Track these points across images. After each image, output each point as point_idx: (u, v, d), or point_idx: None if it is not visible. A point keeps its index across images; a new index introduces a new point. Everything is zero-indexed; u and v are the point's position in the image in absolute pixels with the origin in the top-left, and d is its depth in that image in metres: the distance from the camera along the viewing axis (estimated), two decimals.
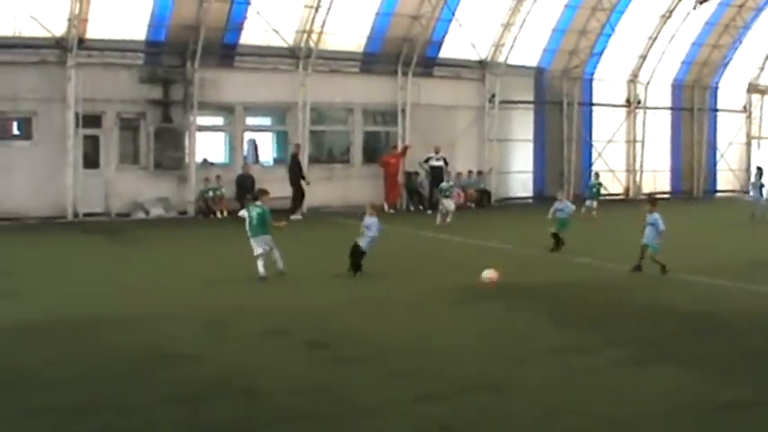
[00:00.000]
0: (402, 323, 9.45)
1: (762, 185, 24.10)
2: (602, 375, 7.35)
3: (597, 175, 23.93)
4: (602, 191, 23.25)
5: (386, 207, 23.03)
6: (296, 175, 21.35)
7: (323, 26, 22.07)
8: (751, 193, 24.77)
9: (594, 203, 21.87)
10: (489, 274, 11.63)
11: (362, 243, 12.13)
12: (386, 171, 23.33)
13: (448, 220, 19.20)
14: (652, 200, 13.33)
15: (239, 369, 7.32)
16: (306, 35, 22.09)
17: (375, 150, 24.55)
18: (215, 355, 7.77)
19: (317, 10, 21.75)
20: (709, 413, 6.34)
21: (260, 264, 11.83)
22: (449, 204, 19.67)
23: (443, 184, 20.49)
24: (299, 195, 21.33)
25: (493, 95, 25.34)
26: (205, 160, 22.09)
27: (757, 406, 6.51)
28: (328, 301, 10.55)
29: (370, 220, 12.31)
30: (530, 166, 26.60)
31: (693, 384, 7.09)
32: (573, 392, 6.80)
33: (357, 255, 12.11)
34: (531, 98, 26.49)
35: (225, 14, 21.02)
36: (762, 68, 31.59)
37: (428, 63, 24.47)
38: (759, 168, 31.13)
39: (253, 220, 12.09)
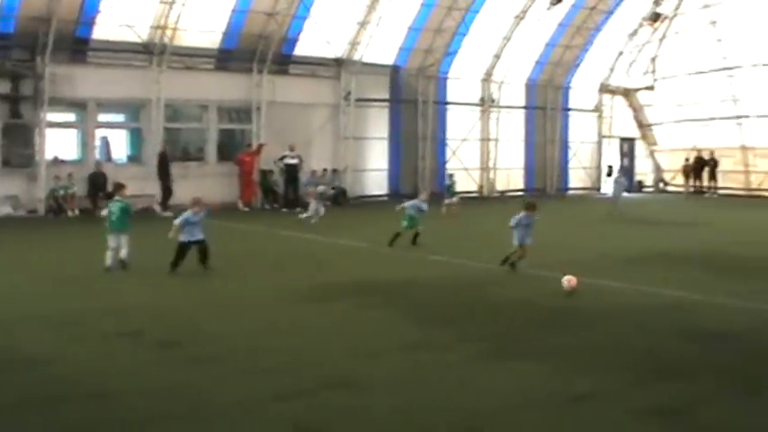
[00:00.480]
0: (256, 321, 10.92)
1: (621, 183, 29.76)
2: (457, 371, 8.68)
3: (451, 176, 29.25)
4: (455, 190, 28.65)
5: (240, 205, 27.47)
6: (164, 173, 25.38)
7: (177, 22, 25.83)
8: (612, 191, 30.02)
9: (455, 199, 26.60)
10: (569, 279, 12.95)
11: (185, 238, 14.12)
12: (241, 169, 27.54)
13: (313, 221, 22.11)
14: (532, 205, 15.58)
15: (91, 370, 8.38)
16: (160, 31, 25.87)
17: (230, 148, 28.73)
18: (66, 357, 8.89)
19: (171, 5, 25.41)
20: (561, 405, 7.61)
21: (109, 255, 14.17)
22: (319, 209, 22.67)
23: (321, 188, 24.21)
24: (166, 193, 25.30)
25: (348, 93, 30.26)
26: (56, 158, 25.26)
27: (607, 397, 7.92)
28: (182, 300, 12.21)
29: (196, 217, 14.28)
30: (385, 163, 31.84)
31: (548, 377, 8.45)
32: (428, 388, 8.06)
33: (183, 253, 14.11)
34: (386, 96, 31.67)
35: (77, 7, 24.20)
36: (612, 69, 38.65)
37: (284, 61, 29.00)
38: (610, 167, 38.39)
39: (113, 215, 14.17)
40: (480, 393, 7.97)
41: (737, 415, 7.55)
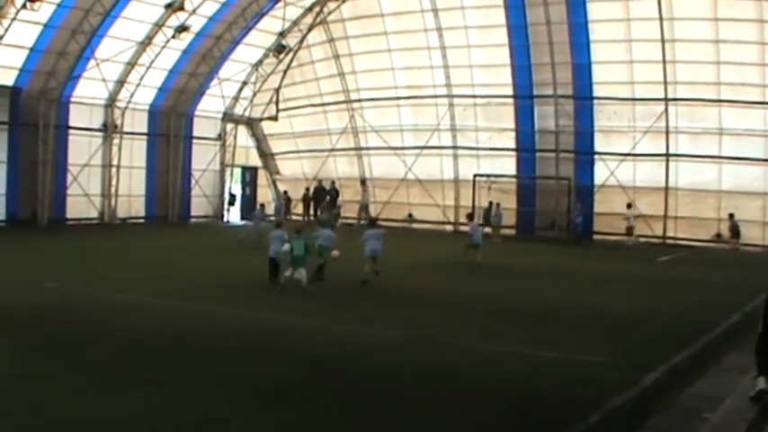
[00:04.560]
0: None
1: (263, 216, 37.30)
2: (68, 402, 10.20)
3: None
4: None
5: None
6: None
7: None
8: (252, 222, 36.36)
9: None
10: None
11: None
12: None
13: None
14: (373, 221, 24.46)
15: None
16: None
17: None
18: None
19: None
20: None
21: None
22: None
23: None
24: None
25: None
26: None
27: (219, 424, 9.70)
28: None
29: None
30: (3, 188, 36.93)
31: (159, 405, 10.11)
32: (37, 420, 9.43)
33: None
34: (5, 119, 36.77)
35: None
36: (236, 99, 47.29)
37: None
38: (233, 195, 46.90)
39: None
40: (88, 424, 9.51)
41: None
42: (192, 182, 46.15)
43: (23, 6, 33.07)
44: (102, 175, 41.59)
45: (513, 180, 42.77)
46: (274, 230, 22.19)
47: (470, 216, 31.48)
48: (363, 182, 46.13)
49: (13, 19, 33.83)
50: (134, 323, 15.54)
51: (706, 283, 25.09)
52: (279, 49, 45.86)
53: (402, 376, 12.50)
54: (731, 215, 37.27)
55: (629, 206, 39.21)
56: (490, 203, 41.20)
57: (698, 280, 25.96)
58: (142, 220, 43.05)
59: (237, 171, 49.99)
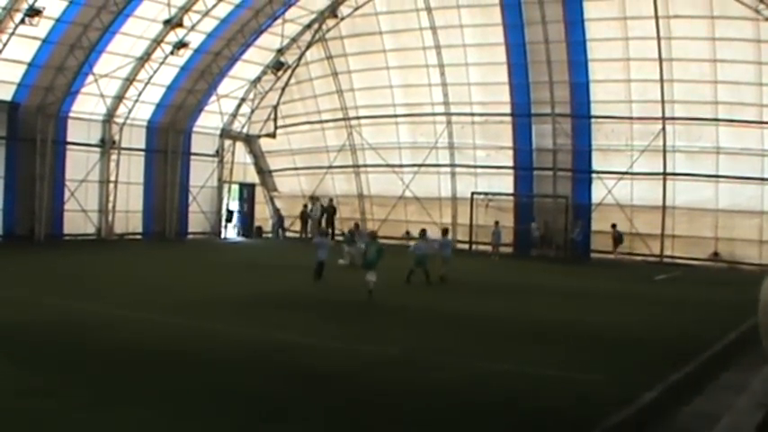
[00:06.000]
0: None
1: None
2: (67, 418, 10.23)
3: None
4: None
5: None
6: None
7: None
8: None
9: None
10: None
11: None
12: None
13: None
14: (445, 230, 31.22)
15: None
16: None
17: None
18: None
19: None
20: None
21: None
22: None
23: None
24: None
25: None
26: None
27: None
28: None
29: None
30: (0, 204, 36.89)
31: (158, 421, 10.22)
32: None
33: None
34: (3, 134, 36.86)
35: None
36: (234, 115, 47.41)
37: None
38: (230, 212, 47.06)
39: None
40: None
41: None
42: (190, 198, 46.23)
43: (22, 21, 33.22)
44: (100, 191, 41.68)
45: (511, 198, 42.87)
46: (317, 238, 28.03)
47: (423, 232, 31.97)
48: (312, 197, 47.45)
49: (12, 34, 33.98)
50: (132, 339, 15.54)
51: (703, 302, 25.06)
52: (277, 65, 46.12)
53: (401, 394, 12.45)
54: (614, 225, 39.35)
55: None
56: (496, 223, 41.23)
57: (695, 298, 25.95)
58: (139, 237, 43.11)
59: (235, 188, 50.23)
